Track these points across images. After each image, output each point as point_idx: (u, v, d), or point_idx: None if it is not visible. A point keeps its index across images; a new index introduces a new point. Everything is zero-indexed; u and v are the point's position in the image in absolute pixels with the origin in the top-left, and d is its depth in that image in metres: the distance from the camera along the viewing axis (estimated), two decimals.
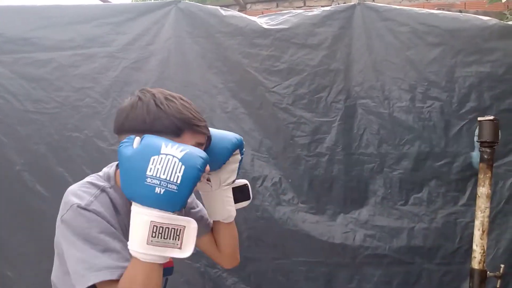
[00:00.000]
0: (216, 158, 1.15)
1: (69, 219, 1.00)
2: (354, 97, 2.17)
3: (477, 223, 1.28)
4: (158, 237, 0.91)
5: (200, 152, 0.97)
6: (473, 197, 2.07)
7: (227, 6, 3.00)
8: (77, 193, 1.04)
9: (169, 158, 0.92)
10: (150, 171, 0.91)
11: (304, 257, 2.15)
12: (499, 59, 2.08)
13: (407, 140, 2.15)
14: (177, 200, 0.93)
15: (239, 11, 2.61)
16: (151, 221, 0.91)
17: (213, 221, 1.34)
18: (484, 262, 1.26)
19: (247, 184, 1.29)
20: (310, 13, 2.19)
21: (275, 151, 2.19)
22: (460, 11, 2.76)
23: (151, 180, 0.91)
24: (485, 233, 1.27)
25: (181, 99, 1.08)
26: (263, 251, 2.17)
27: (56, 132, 2.21)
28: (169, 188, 0.91)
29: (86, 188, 1.06)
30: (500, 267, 1.29)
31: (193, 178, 0.94)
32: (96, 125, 2.21)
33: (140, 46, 2.23)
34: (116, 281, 0.96)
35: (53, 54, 2.21)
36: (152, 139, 0.97)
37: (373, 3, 2.21)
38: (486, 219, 1.27)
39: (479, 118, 1.28)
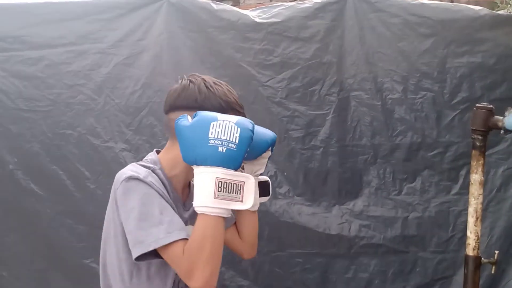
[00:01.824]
0: (254, 149, 1.23)
1: (128, 187, 1.10)
2: (347, 89, 2.18)
3: (471, 210, 1.30)
4: (223, 192, 1.01)
5: (247, 119, 1.09)
6: (465, 186, 2.11)
7: (221, 0, 2.98)
8: (132, 169, 1.15)
9: (226, 123, 1.04)
10: (211, 134, 1.02)
11: (300, 248, 2.17)
12: (490, 49, 2.10)
13: (399, 131, 2.17)
14: (237, 158, 1.04)
15: (233, 5, 2.60)
16: (216, 177, 1.01)
17: (237, 211, 1.40)
18: (478, 249, 1.28)
19: (268, 180, 1.41)
20: (302, 6, 2.19)
21: None
22: (452, 1, 2.79)
23: (214, 141, 1.02)
24: (478, 219, 1.29)
25: (227, 85, 1.25)
26: (259, 244, 2.14)
27: (49, 130, 2.20)
28: (229, 147, 1.02)
29: (138, 168, 1.17)
30: (495, 253, 1.32)
31: (248, 138, 1.05)
32: (90, 122, 2.20)
33: (132, 42, 2.22)
34: (179, 242, 1.05)
35: (44, 51, 2.19)
36: (207, 112, 1.08)
37: None
38: (480, 206, 1.29)
39: (477, 105, 1.29)
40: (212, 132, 1.02)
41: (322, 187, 2.20)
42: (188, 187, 1.32)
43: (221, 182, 1.01)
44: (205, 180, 1.01)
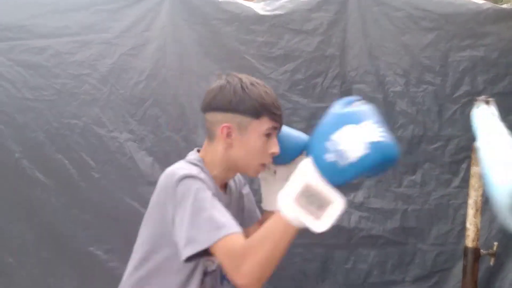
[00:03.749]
0: (288, 152, 1.21)
1: (183, 185, 1.08)
2: (350, 82, 2.20)
3: (471, 202, 1.32)
4: (305, 199, 0.88)
5: (392, 150, 0.90)
6: (466, 179, 2.09)
7: None
8: (183, 167, 1.14)
9: (360, 134, 0.86)
10: (335, 136, 0.88)
11: (301, 239, 2.13)
12: (492, 43, 2.11)
13: (401, 124, 2.19)
14: (340, 176, 0.89)
15: None
16: (306, 181, 0.90)
17: (265, 212, 1.38)
18: (477, 240, 1.31)
19: None
20: None
21: None
22: None
23: (329, 144, 0.87)
24: (478, 211, 1.32)
25: (264, 86, 1.21)
26: None
27: (55, 120, 2.22)
28: (339, 161, 0.86)
29: (189, 166, 1.16)
30: (494, 245, 1.35)
31: (371, 165, 0.87)
32: (95, 112, 2.22)
33: (136, 33, 2.23)
34: (234, 235, 1.02)
35: (49, 41, 2.20)
36: (365, 107, 0.92)
37: None
38: (480, 198, 1.31)
39: (477, 98, 1.31)
40: (337, 134, 0.88)
41: None
42: (224, 188, 1.30)
43: (309, 187, 0.88)
44: (296, 178, 0.91)
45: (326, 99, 2.19)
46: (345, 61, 2.19)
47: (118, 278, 2.21)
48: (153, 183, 2.16)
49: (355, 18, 2.18)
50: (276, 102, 1.20)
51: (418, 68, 2.16)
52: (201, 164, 1.20)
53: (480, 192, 1.32)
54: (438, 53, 2.15)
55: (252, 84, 1.18)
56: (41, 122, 2.22)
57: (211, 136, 1.22)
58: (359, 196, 2.21)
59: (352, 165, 0.85)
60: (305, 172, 0.90)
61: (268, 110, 1.17)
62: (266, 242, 0.96)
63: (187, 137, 2.22)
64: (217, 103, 1.18)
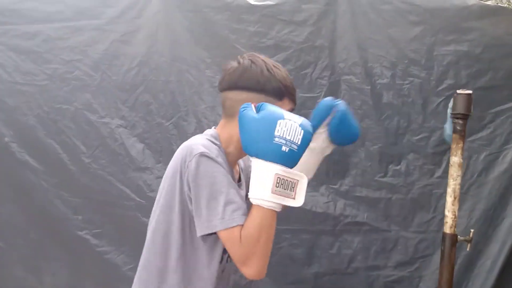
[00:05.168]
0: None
1: (202, 163, 1.11)
2: (338, 73, 2.24)
3: (449, 190, 1.39)
4: (280, 188, 1.05)
5: (308, 121, 1.12)
6: (448, 170, 2.20)
7: None
8: (204, 144, 1.15)
9: (291, 123, 1.06)
10: (277, 132, 1.05)
11: (288, 225, 2.25)
12: (476, 39, 2.17)
13: (387, 115, 2.25)
14: (296, 158, 1.08)
15: None
16: (276, 173, 1.05)
17: None
18: (455, 227, 1.37)
19: None
20: None
21: None
22: None
23: (279, 140, 1.05)
24: (456, 199, 1.38)
25: (284, 69, 1.26)
26: None
27: (46, 104, 2.24)
28: (292, 147, 1.06)
29: (208, 144, 1.17)
30: (470, 231, 1.41)
31: (308, 141, 1.09)
32: (86, 98, 2.24)
33: (127, 19, 2.25)
34: (238, 227, 1.08)
35: (41, 26, 2.22)
36: (274, 107, 1.10)
37: None
38: (458, 187, 1.38)
39: (458, 91, 1.38)
40: (278, 130, 1.05)
41: None
42: (236, 165, 1.33)
43: (279, 178, 1.05)
44: (265, 175, 1.05)
45: (315, 89, 2.24)
46: (334, 52, 2.23)
47: (107, 262, 2.28)
48: (143, 169, 2.26)
49: (344, 10, 2.22)
50: (294, 85, 1.27)
51: (404, 61, 2.22)
52: (218, 141, 1.22)
53: (459, 181, 1.38)
54: (424, 46, 2.21)
55: (275, 66, 1.23)
56: (32, 106, 2.24)
57: (230, 114, 1.23)
58: (345, 184, 2.27)
59: (301, 146, 1.07)
60: (269, 167, 1.05)
61: (289, 93, 1.24)
62: (263, 232, 1.07)
63: (177, 124, 2.26)
64: (243, 82, 1.20)
